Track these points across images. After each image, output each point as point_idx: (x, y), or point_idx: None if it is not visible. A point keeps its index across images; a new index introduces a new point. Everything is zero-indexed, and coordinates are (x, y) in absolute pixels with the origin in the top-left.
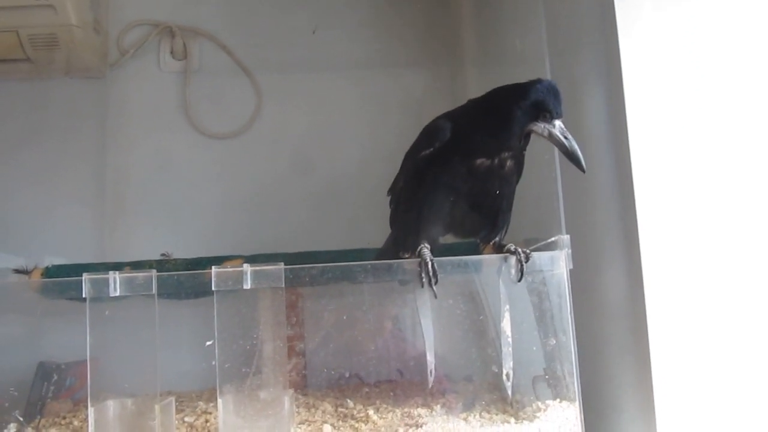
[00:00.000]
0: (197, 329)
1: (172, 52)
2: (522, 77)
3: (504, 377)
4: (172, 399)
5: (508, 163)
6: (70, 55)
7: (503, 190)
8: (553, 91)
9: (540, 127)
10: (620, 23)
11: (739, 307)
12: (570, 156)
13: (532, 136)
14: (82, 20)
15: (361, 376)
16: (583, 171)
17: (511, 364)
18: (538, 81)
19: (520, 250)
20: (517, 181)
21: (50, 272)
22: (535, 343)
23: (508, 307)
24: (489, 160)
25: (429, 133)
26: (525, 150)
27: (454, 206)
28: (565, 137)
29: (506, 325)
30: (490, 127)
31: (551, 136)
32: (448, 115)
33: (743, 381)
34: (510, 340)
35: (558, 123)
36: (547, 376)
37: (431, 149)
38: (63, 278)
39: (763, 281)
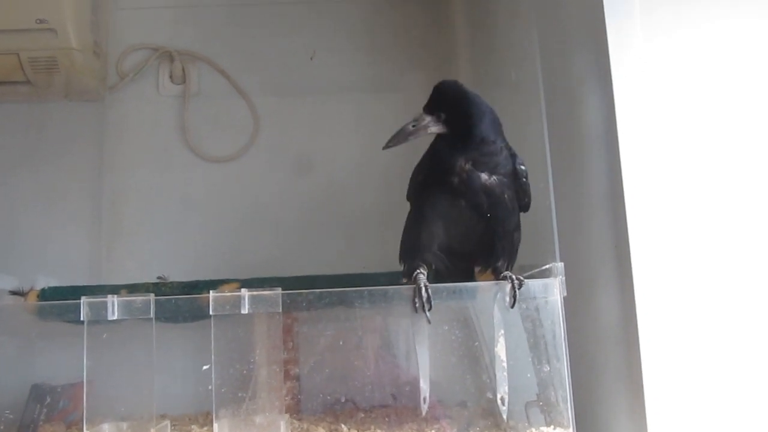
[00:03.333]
0: (193, 353)
1: (170, 76)
2: (516, 105)
3: (499, 401)
4: (168, 422)
5: (484, 177)
6: (69, 78)
7: (495, 211)
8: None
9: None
10: (613, 58)
11: (733, 335)
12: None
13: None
14: (82, 44)
15: (355, 401)
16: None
17: (506, 388)
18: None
19: (513, 276)
20: (519, 206)
21: (46, 294)
22: (529, 370)
23: (502, 332)
24: (457, 176)
25: (423, 157)
26: (508, 166)
27: (447, 231)
28: (413, 125)
29: (501, 349)
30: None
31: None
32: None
33: (736, 409)
34: (505, 364)
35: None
36: (540, 402)
37: (421, 176)
38: (61, 301)
39: (757, 310)
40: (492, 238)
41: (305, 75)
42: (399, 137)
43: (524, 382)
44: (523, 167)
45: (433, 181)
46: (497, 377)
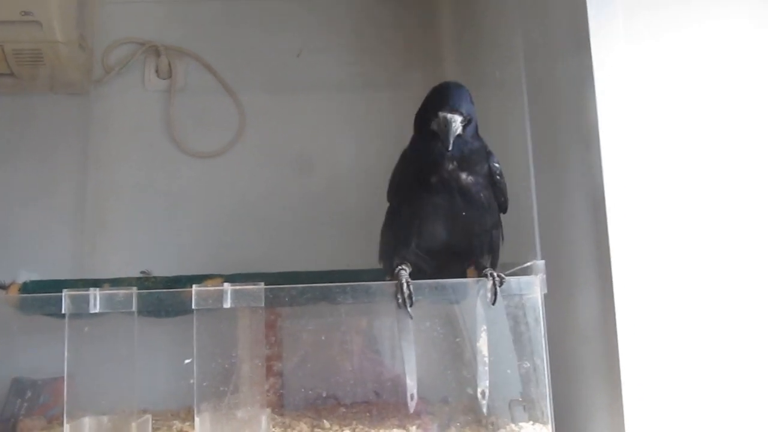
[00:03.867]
0: (175, 347)
1: (157, 71)
2: (501, 103)
3: (479, 395)
4: (149, 417)
5: (463, 176)
6: (54, 71)
7: (470, 210)
8: (439, 90)
9: (434, 123)
10: (595, 59)
11: (712, 332)
12: (443, 137)
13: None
14: (67, 37)
15: (338, 396)
16: (447, 149)
17: (487, 382)
18: (431, 89)
19: (495, 274)
20: (498, 205)
21: (28, 288)
22: (511, 366)
23: (485, 327)
24: (437, 175)
25: (399, 161)
26: (483, 163)
27: (424, 229)
28: (445, 125)
29: (482, 344)
30: (420, 138)
31: (438, 128)
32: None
33: (715, 406)
34: (486, 359)
35: (443, 114)
36: (523, 402)
37: (399, 177)
38: (42, 294)
39: (736, 306)
40: (470, 236)
41: (292, 72)
42: (453, 136)
43: (506, 378)
44: (497, 165)
45: (411, 180)
46: (478, 371)
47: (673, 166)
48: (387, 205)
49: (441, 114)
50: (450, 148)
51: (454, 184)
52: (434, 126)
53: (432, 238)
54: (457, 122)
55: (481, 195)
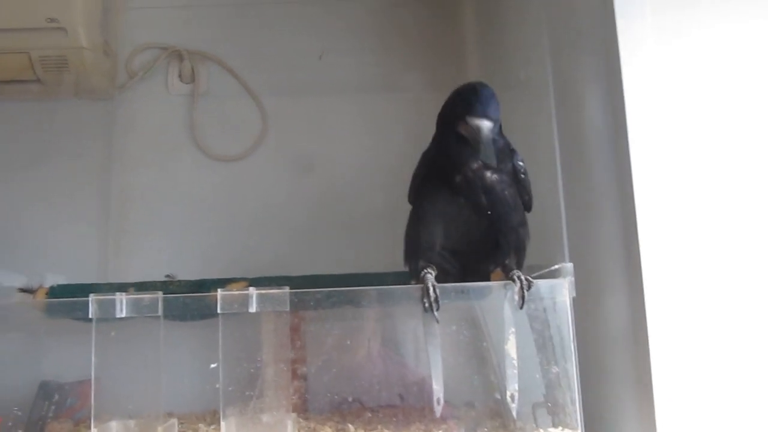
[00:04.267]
0: (200, 351)
1: (180, 75)
2: (527, 103)
3: (508, 398)
4: (175, 421)
5: (489, 175)
6: (79, 77)
7: (496, 209)
8: (468, 93)
9: (463, 128)
10: (623, 59)
11: (746, 337)
12: (474, 147)
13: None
14: (92, 43)
15: (362, 400)
16: (477, 154)
17: (516, 386)
18: (460, 87)
19: (522, 277)
20: (522, 203)
21: (55, 292)
22: (538, 371)
23: (513, 330)
24: (461, 175)
25: (419, 162)
26: (509, 162)
27: (451, 229)
28: (477, 132)
29: (511, 347)
30: (445, 138)
31: (468, 134)
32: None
33: (748, 413)
34: (515, 362)
35: (474, 121)
36: (549, 404)
37: (419, 178)
38: (69, 299)
39: None
40: (496, 235)
41: (314, 75)
42: (487, 146)
43: (532, 383)
44: (521, 163)
45: (434, 181)
46: (507, 375)
47: (705, 164)
48: (410, 206)
49: (471, 120)
50: (482, 158)
51: (478, 183)
52: (462, 130)
53: (457, 238)
54: (487, 129)
55: (506, 193)
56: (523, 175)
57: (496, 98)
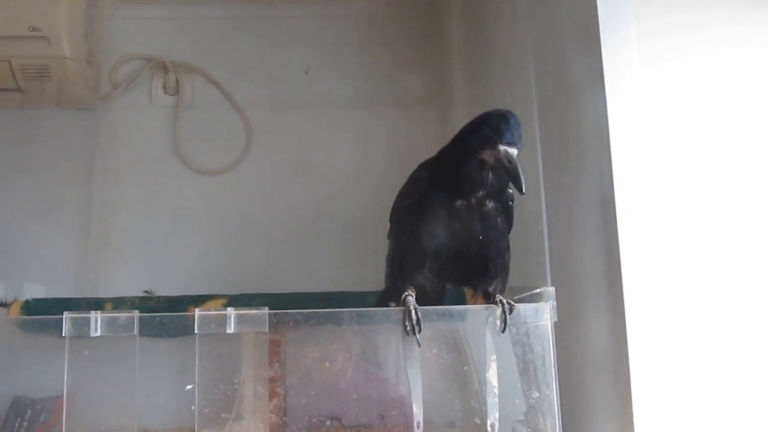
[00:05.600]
0: (177, 368)
1: (164, 87)
2: None
3: (488, 428)
4: None
5: (488, 203)
6: (61, 87)
7: (488, 234)
8: (498, 119)
9: (488, 154)
10: (608, 83)
11: (729, 365)
12: (512, 177)
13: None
14: (75, 52)
15: (342, 420)
16: (521, 192)
17: (497, 415)
18: (484, 114)
19: (504, 300)
20: (508, 228)
21: (29, 306)
22: (519, 395)
23: (494, 357)
24: (465, 200)
25: (408, 183)
26: (506, 190)
27: (439, 253)
28: (509, 161)
29: (492, 375)
30: (455, 165)
31: (496, 161)
32: (427, 162)
33: None
34: (496, 390)
35: (503, 148)
36: (528, 429)
37: (409, 201)
38: (43, 317)
39: (759, 336)
40: (485, 260)
41: (300, 89)
42: (515, 176)
43: (513, 407)
44: (510, 191)
45: (431, 203)
46: (488, 403)
47: (688, 189)
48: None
49: (503, 148)
50: (524, 191)
51: (477, 210)
52: (487, 157)
53: (445, 261)
54: (515, 156)
55: (498, 219)
56: (511, 203)
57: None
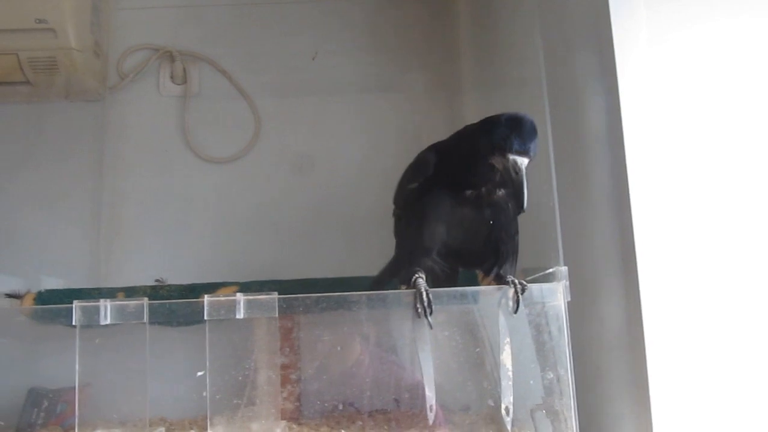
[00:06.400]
0: (189, 355)
1: (171, 77)
2: (519, 103)
3: (503, 411)
4: (163, 429)
5: (498, 191)
6: (69, 79)
7: (498, 218)
8: (512, 125)
9: (497, 160)
10: (618, 57)
11: (744, 342)
12: (516, 191)
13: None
14: (82, 44)
15: (356, 406)
16: (522, 208)
17: (511, 398)
18: (499, 117)
19: (516, 281)
20: (519, 211)
21: (42, 297)
22: (533, 376)
23: (508, 339)
24: (476, 190)
25: (415, 166)
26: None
27: (449, 237)
28: (516, 172)
29: (506, 358)
30: (465, 160)
31: (504, 170)
32: (437, 146)
33: (747, 419)
34: (510, 373)
35: (512, 158)
36: (544, 410)
37: (416, 183)
38: (54, 306)
39: None
40: (496, 243)
41: (307, 75)
42: (519, 190)
43: (528, 389)
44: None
45: (441, 190)
46: (502, 386)
47: (702, 164)
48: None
49: (512, 158)
50: (525, 206)
51: (487, 198)
52: (497, 163)
53: (456, 245)
54: (524, 167)
55: (509, 205)
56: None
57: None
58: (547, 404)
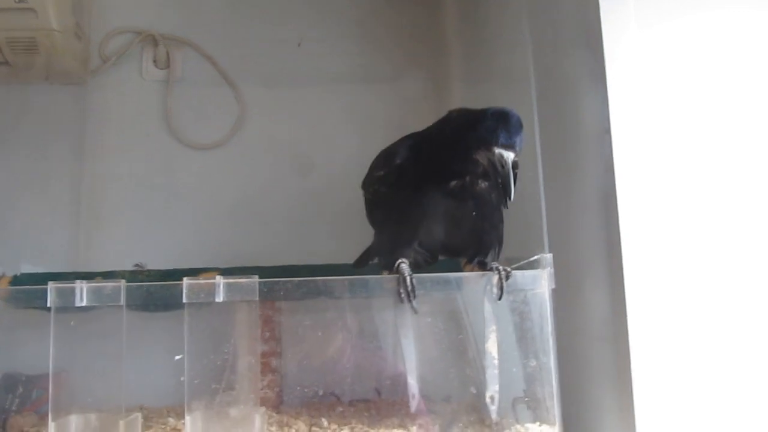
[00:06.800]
0: (168, 342)
1: (155, 61)
2: (507, 93)
3: (488, 400)
4: (138, 415)
5: (480, 182)
6: (50, 60)
7: (481, 209)
8: (498, 119)
9: (481, 155)
10: (606, 46)
11: (727, 331)
12: (502, 184)
13: None
14: (63, 25)
15: (337, 394)
16: (509, 198)
17: (497, 387)
18: (485, 111)
19: (501, 267)
20: (503, 201)
21: (19, 280)
22: (516, 364)
23: (494, 327)
24: (459, 181)
25: (385, 154)
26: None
27: (431, 227)
28: (502, 165)
29: (491, 346)
30: (447, 151)
31: (489, 164)
32: (416, 135)
33: (729, 408)
34: (496, 361)
35: (498, 151)
36: (527, 399)
37: (383, 171)
38: (28, 287)
39: (753, 306)
40: (479, 234)
41: (293, 62)
42: (506, 185)
43: (511, 377)
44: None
45: (420, 179)
46: (487, 375)
47: (689, 155)
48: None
49: (498, 151)
50: (512, 198)
51: (469, 190)
52: (481, 158)
53: (439, 237)
54: (511, 161)
55: (492, 196)
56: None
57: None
58: (529, 394)
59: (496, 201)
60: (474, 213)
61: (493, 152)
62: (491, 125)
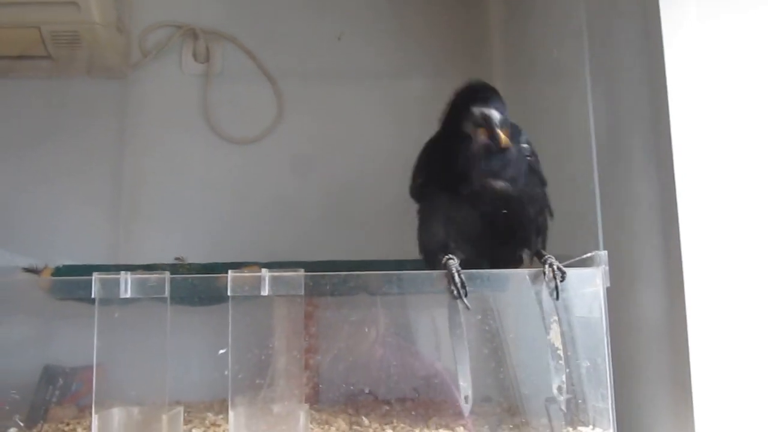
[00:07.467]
0: (209, 337)
1: (194, 55)
2: (558, 88)
3: (555, 391)
4: (181, 409)
5: (496, 183)
6: (92, 54)
7: (511, 208)
8: (470, 90)
9: (466, 124)
10: (666, 35)
11: None
12: (489, 134)
13: None
14: (105, 19)
15: (377, 393)
16: (500, 146)
17: (563, 377)
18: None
19: (555, 265)
20: (537, 189)
21: (61, 272)
22: (568, 365)
23: (555, 318)
24: (470, 186)
25: (416, 162)
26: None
27: (466, 229)
28: (484, 119)
29: (554, 337)
30: (449, 148)
31: (474, 124)
32: (432, 140)
33: None
34: (560, 352)
35: (477, 110)
36: (579, 400)
37: (420, 180)
38: (72, 278)
39: None
40: (516, 229)
41: (332, 57)
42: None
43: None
44: (525, 146)
45: (438, 185)
46: (551, 366)
47: (751, 148)
48: None
49: (477, 110)
50: (503, 145)
51: (488, 195)
52: (467, 128)
53: (475, 236)
54: (496, 117)
55: (520, 191)
56: (529, 157)
57: (498, 92)
58: (579, 396)
59: (527, 196)
60: (505, 212)
61: (472, 112)
62: (462, 99)
